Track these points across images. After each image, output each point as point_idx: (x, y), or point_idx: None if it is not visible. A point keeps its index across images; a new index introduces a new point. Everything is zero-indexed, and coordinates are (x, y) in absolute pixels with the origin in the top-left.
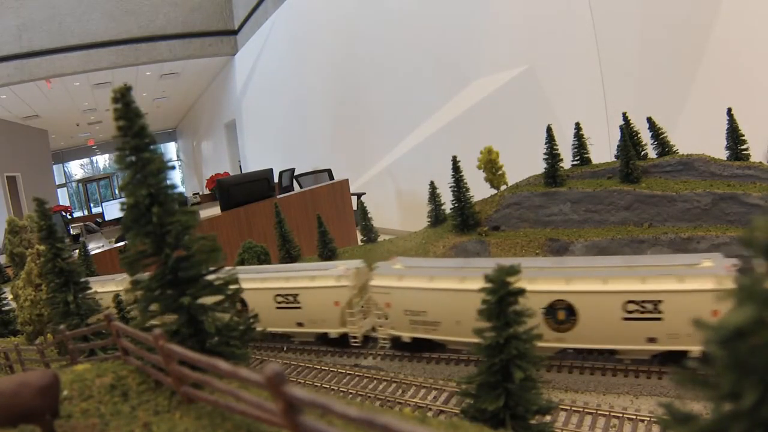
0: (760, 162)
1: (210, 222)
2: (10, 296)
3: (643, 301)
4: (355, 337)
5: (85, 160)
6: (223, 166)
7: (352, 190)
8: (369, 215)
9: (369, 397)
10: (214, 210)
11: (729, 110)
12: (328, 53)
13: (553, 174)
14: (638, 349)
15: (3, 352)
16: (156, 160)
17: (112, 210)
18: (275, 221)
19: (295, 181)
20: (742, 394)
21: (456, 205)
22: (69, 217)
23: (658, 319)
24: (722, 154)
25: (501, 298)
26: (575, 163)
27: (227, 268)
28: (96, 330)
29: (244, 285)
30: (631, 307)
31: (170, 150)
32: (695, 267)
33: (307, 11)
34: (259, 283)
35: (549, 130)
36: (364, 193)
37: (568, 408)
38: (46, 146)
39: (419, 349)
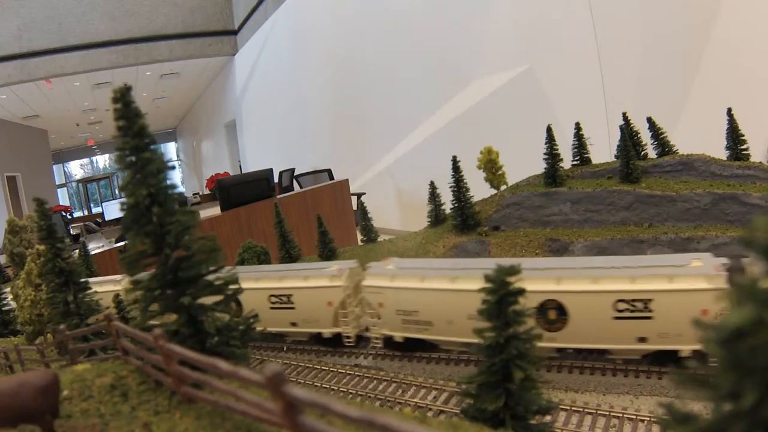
0: (760, 162)
1: (210, 222)
2: (10, 296)
3: (633, 300)
4: (348, 337)
5: (85, 160)
6: (223, 166)
7: (352, 190)
8: (369, 215)
9: (369, 397)
10: (214, 210)
11: (729, 110)
12: (328, 53)
13: (553, 174)
14: (629, 348)
15: (3, 352)
16: (156, 160)
17: (112, 210)
18: (275, 221)
19: (295, 181)
20: (742, 394)
21: (456, 205)
22: (69, 217)
23: (648, 318)
24: (722, 154)
25: (501, 298)
26: (575, 163)
27: (227, 268)
28: (96, 330)
29: (250, 285)
30: (622, 306)
31: (170, 150)
32: (685, 267)
33: (307, 11)
34: (254, 282)
35: (549, 130)
36: (364, 193)
37: (568, 408)
38: (46, 146)
39: (411, 348)
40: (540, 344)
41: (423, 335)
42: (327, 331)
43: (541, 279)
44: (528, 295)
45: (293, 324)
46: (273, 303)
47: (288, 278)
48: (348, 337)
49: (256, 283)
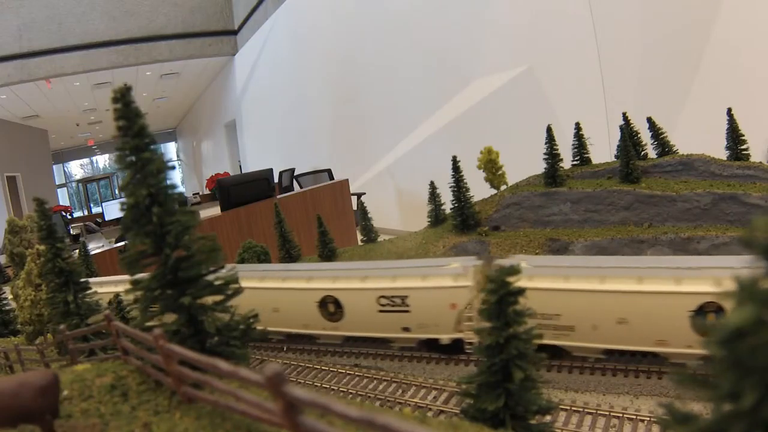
0: (760, 162)
1: (210, 222)
2: (10, 296)
3: None
4: (471, 343)
5: (85, 160)
6: (223, 166)
7: (352, 190)
8: (369, 215)
9: (369, 397)
10: (214, 210)
11: (729, 110)
12: (328, 53)
13: (553, 174)
14: None
15: (3, 352)
16: (156, 160)
17: (112, 210)
18: (275, 221)
19: (295, 181)
20: (742, 394)
21: (456, 205)
22: (69, 217)
23: None
24: (722, 154)
25: (501, 298)
26: (575, 163)
27: (229, 265)
28: (96, 330)
29: (339, 284)
30: None
31: (170, 150)
32: None
33: (307, 11)
34: (359, 282)
35: (549, 130)
36: (364, 193)
37: (568, 408)
38: (46, 146)
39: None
40: (694, 351)
41: (561, 341)
42: (446, 337)
43: (698, 279)
44: (685, 297)
45: (405, 329)
46: (383, 305)
47: (402, 277)
48: (470, 344)
49: (363, 283)
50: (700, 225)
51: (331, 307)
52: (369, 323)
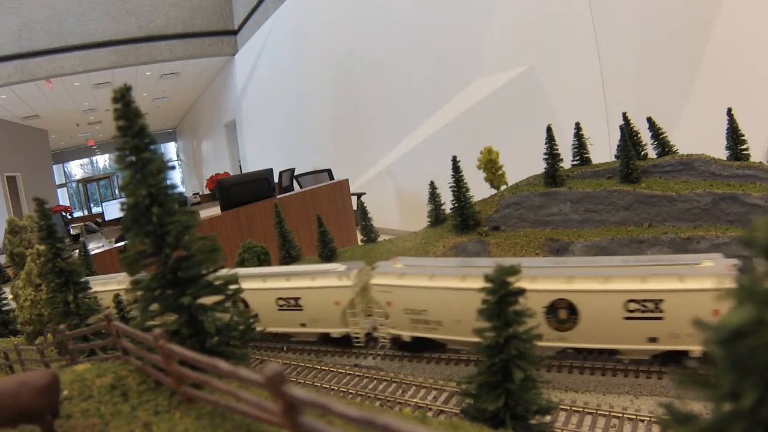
0: (760, 162)
1: (210, 222)
2: (10, 296)
3: None
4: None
5: (85, 160)
6: (223, 166)
7: (352, 190)
8: (369, 215)
9: (369, 397)
10: (214, 210)
11: (729, 110)
12: (328, 53)
13: (553, 174)
14: None
15: (3, 352)
16: (156, 160)
17: (112, 210)
18: (275, 221)
19: (295, 181)
20: (742, 394)
21: (456, 205)
22: (69, 217)
23: None
24: (722, 154)
25: (501, 298)
26: (575, 163)
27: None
28: (96, 330)
29: (575, 285)
30: None
31: (170, 150)
32: None
33: (307, 11)
34: (602, 283)
35: (549, 130)
36: (364, 193)
37: (568, 408)
38: (46, 146)
39: None
40: None
41: None
42: (698, 349)
43: None
44: None
45: (652, 339)
46: (631, 311)
47: (654, 277)
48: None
49: (607, 284)
50: (700, 225)
51: (562, 313)
52: (610, 333)
